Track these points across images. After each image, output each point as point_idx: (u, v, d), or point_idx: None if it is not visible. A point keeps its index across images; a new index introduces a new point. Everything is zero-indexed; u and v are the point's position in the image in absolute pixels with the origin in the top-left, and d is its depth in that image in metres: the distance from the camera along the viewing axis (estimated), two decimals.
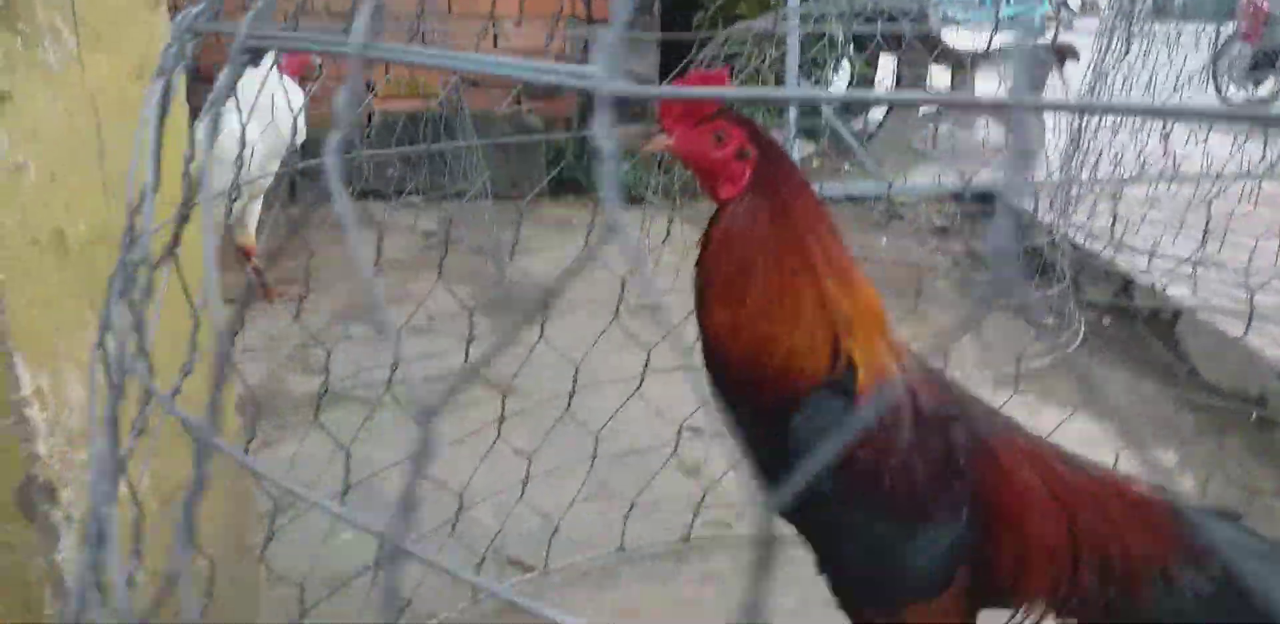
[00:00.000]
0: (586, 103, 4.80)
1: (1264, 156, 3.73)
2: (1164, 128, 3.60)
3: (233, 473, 1.26)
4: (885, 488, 0.99)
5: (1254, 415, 2.29)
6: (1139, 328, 2.84)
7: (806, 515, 1.04)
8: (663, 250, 3.51)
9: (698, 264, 1.08)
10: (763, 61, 4.17)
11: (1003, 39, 5.22)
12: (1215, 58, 6.14)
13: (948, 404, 1.06)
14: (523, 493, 1.61)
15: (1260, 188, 3.59)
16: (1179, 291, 2.81)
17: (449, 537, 1.56)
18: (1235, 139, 3.77)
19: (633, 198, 4.59)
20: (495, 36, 4.54)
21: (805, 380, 1.01)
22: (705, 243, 1.06)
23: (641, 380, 1.69)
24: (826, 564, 1.11)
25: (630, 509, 1.70)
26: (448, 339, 2.76)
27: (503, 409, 1.63)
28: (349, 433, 1.81)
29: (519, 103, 4.66)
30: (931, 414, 1.02)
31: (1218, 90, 6.51)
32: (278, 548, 1.34)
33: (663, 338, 2.31)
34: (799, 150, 4.28)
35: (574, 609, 1.57)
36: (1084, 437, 1.89)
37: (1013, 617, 1.07)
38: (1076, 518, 1.02)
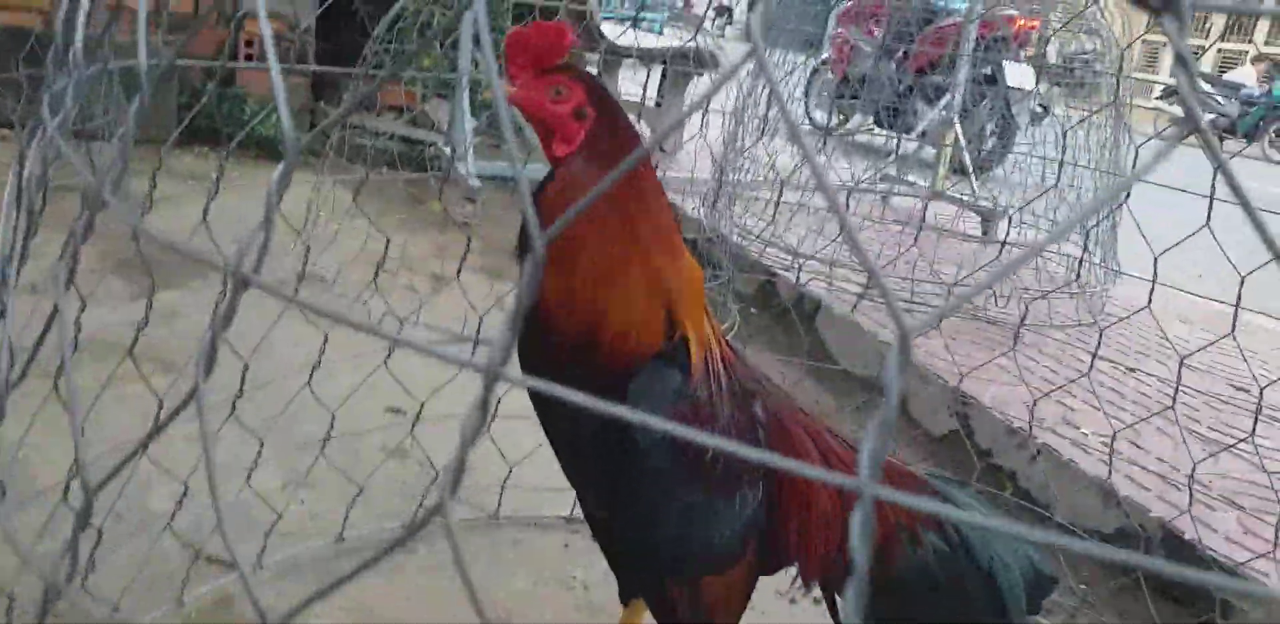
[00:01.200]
0: (230, 37, 4.31)
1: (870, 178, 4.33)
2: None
3: None
4: (706, 462, 1.01)
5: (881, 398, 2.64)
6: (783, 318, 3.16)
7: (625, 487, 1.03)
8: (323, 217, 3.27)
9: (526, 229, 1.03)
10: (429, 24, 4.03)
11: (648, 40, 5.52)
12: (807, 85, 6.96)
13: (750, 379, 1.10)
14: (249, 478, 1.42)
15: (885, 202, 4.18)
16: (817, 287, 3.17)
17: (134, 535, 1.33)
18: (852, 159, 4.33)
19: (279, 153, 4.23)
20: None
21: (640, 351, 1.00)
22: (535, 207, 1.02)
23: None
24: (633, 539, 1.10)
25: (359, 494, 1.57)
26: (68, 300, 2.35)
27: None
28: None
29: (153, 34, 4.07)
30: (741, 389, 1.06)
31: (808, 115, 7.37)
32: None
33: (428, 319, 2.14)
34: (469, 123, 4.19)
35: (290, 605, 1.41)
36: None
37: (791, 588, 1.14)
38: (845, 491, 1.11)
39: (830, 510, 1.10)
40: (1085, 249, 3.16)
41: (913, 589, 1.11)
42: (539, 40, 0.99)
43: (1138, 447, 2.19)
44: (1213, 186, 1.53)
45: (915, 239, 2.06)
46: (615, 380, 0.99)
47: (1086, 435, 2.22)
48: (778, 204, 3.46)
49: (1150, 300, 1.59)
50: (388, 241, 1.71)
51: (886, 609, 1.12)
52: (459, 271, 1.68)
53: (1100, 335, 1.75)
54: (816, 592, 1.18)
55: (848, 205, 4.17)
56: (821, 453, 1.12)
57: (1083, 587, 1.84)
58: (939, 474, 1.22)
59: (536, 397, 1.08)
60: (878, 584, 1.11)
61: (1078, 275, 1.93)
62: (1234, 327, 1.48)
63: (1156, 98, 10.95)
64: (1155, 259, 1.56)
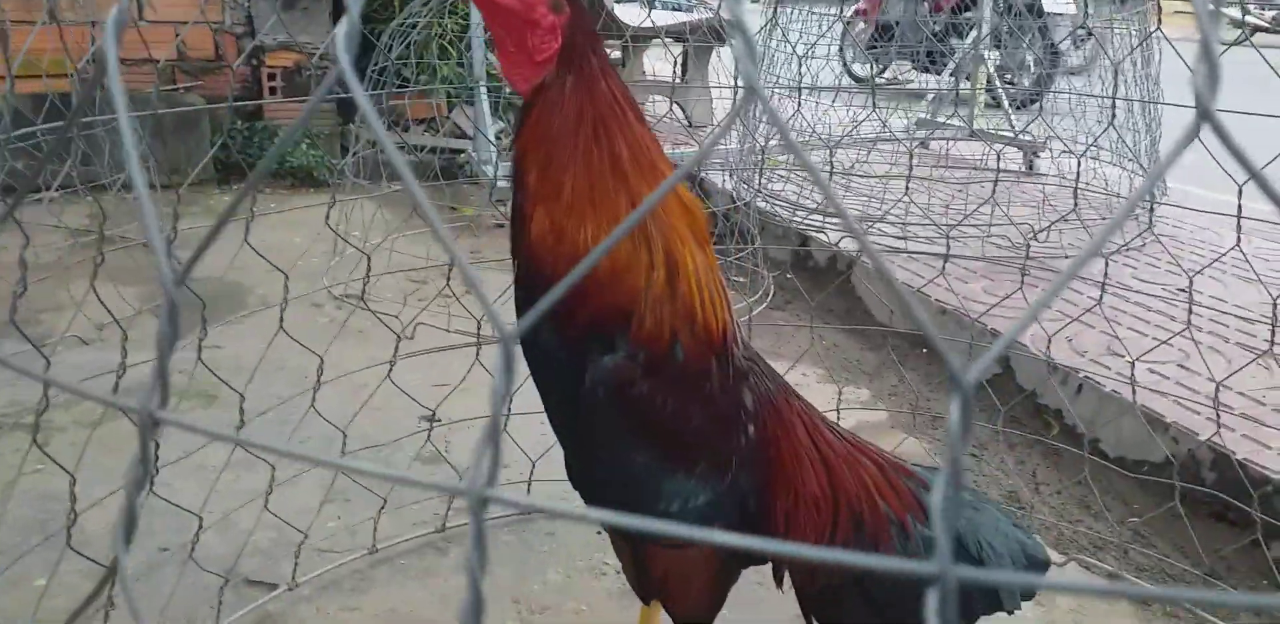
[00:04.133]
0: (251, 78, 4.42)
1: (906, 126, 4.22)
2: (817, 98, 3.95)
3: None
4: (652, 423, 0.98)
5: (922, 350, 2.59)
6: (818, 281, 3.12)
7: (575, 432, 1.03)
8: (357, 236, 3.35)
9: (513, 163, 0.99)
10: (443, 34, 4.08)
11: (664, 18, 5.46)
12: (842, 36, 6.80)
13: (749, 359, 1.07)
14: (266, 502, 1.47)
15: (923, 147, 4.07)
16: (850, 244, 3.11)
17: (181, 564, 1.40)
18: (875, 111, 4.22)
19: (314, 180, 4.34)
20: (140, 7, 4.06)
21: (630, 294, 0.95)
22: (517, 138, 0.97)
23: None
24: (579, 481, 1.09)
25: (383, 506, 1.62)
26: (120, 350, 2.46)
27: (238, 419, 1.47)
28: (19, 466, 1.57)
29: (174, 81, 4.22)
30: (733, 371, 1.03)
31: (846, 68, 7.20)
32: None
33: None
34: (493, 127, 4.23)
35: (327, 619, 1.47)
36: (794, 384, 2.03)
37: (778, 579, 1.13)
38: (835, 478, 1.08)
39: (820, 494, 1.07)
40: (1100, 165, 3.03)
41: (904, 580, 1.08)
42: None
43: (1186, 369, 2.10)
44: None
45: (906, 186, 2.01)
46: (590, 344, 0.96)
47: (1132, 364, 2.13)
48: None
49: (1151, 214, 1.52)
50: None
51: (879, 600, 1.10)
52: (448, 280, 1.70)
53: (1106, 264, 1.68)
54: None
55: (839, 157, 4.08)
56: (814, 441, 1.09)
57: (1134, 520, 1.78)
58: (927, 465, 1.19)
59: (533, 357, 1.05)
60: (870, 576, 1.09)
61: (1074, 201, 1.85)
62: (1238, 238, 1.41)
63: None
64: (1152, 176, 1.50)
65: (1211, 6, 0.26)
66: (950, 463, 0.26)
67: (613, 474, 1.01)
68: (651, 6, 5.73)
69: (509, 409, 1.73)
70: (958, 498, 0.26)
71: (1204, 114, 0.24)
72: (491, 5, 0.92)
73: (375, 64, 3.56)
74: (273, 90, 4.66)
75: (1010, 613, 1.08)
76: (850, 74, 7.17)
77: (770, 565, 1.17)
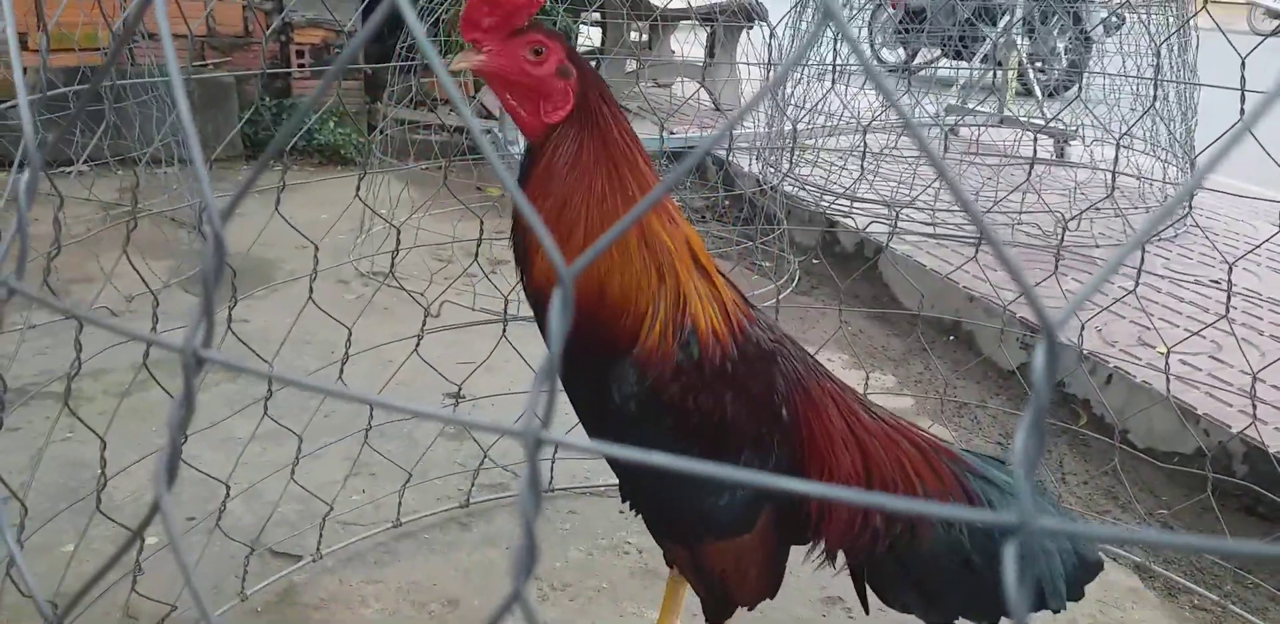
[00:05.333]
0: (280, 55, 4.42)
1: (937, 112, 4.17)
2: (845, 82, 3.91)
3: None
4: (692, 424, 0.98)
5: (949, 337, 2.57)
6: (845, 264, 3.09)
7: (607, 438, 1.02)
8: (384, 214, 3.35)
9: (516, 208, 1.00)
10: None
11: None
12: (870, 26, 6.74)
13: (772, 340, 1.06)
14: (293, 473, 1.48)
15: (953, 134, 4.05)
16: (879, 229, 3.09)
17: (208, 533, 1.41)
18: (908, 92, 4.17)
19: (341, 158, 4.34)
20: None
21: (640, 321, 0.96)
22: (524, 181, 0.98)
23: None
24: (632, 503, 1.10)
25: (407, 481, 1.62)
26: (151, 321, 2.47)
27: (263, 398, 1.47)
28: (48, 433, 1.58)
29: (204, 57, 4.22)
30: (757, 354, 1.02)
31: (876, 57, 7.14)
32: None
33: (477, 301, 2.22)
34: None
35: (350, 590, 1.47)
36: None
37: (809, 556, 1.12)
38: (871, 458, 1.07)
39: (853, 473, 1.07)
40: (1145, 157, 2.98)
41: (946, 565, 1.07)
42: None
43: (1219, 361, 2.07)
44: (1242, 79, 1.43)
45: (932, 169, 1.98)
46: (611, 360, 0.97)
47: (1163, 355, 2.11)
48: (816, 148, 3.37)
49: (1190, 205, 1.49)
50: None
51: (921, 584, 1.09)
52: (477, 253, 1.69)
53: (1143, 253, 1.66)
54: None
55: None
56: (847, 423, 1.08)
57: (1162, 511, 1.76)
58: (974, 451, 1.17)
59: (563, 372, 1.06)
60: (908, 560, 1.08)
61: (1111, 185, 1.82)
62: (1279, 228, 1.38)
63: None
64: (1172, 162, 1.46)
65: None
66: (1033, 410, 0.25)
67: (659, 483, 1.01)
68: None
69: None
70: (1040, 447, 0.25)
71: None
72: (505, 82, 0.95)
73: (404, 41, 3.55)
74: (301, 67, 4.66)
75: (1056, 611, 1.06)
76: (879, 60, 7.10)
77: (810, 545, 1.16)
